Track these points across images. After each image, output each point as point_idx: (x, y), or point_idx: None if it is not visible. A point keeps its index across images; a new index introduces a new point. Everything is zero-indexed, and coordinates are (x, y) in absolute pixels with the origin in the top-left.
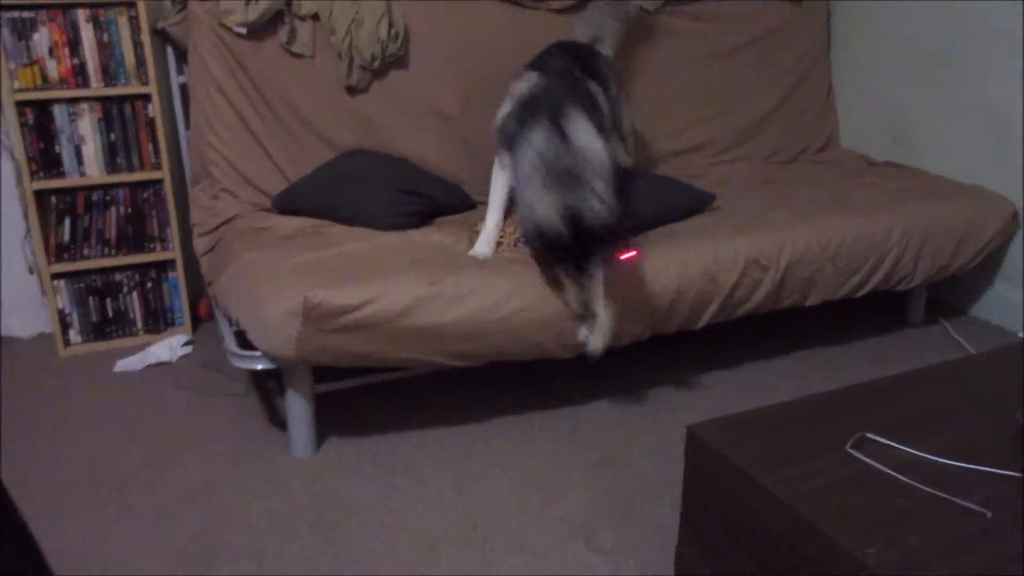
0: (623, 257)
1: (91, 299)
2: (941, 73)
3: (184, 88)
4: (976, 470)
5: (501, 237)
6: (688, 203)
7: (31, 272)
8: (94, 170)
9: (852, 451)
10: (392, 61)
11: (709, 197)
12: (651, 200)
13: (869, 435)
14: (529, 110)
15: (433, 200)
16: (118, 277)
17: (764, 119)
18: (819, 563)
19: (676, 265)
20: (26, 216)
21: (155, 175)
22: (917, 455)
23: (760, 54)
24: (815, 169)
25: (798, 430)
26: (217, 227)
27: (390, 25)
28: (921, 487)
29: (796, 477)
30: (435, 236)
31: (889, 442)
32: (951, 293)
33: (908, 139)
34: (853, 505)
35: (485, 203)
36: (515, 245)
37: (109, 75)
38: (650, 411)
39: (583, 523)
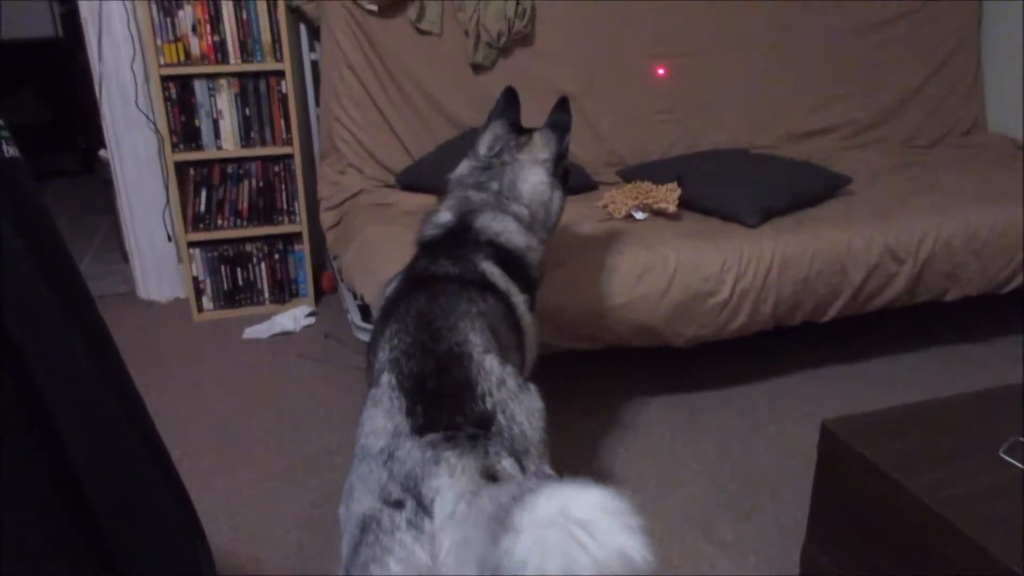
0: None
1: (223, 268)
2: None
3: (315, 65)
4: None
5: (608, 204)
6: (819, 187)
7: (169, 240)
8: (230, 143)
9: (1006, 456)
10: (518, 39)
11: (844, 180)
12: (778, 183)
13: None
14: None
15: None
16: (248, 248)
17: (904, 100)
18: (967, 573)
19: (803, 253)
20: (166, 186)
21: (286, 150)
22: None
23: (904, 30)
24: (959, 154)
25: (943, 431)
26: (343, 202)
27: (517, 2)
28: None
29: (943, 481)
30: None
31: None
32: None
33: None
34: (1008, 514)
35: (605, 183)
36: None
37: (246, 52)
38: (770, 403)
39: (702, 514)
